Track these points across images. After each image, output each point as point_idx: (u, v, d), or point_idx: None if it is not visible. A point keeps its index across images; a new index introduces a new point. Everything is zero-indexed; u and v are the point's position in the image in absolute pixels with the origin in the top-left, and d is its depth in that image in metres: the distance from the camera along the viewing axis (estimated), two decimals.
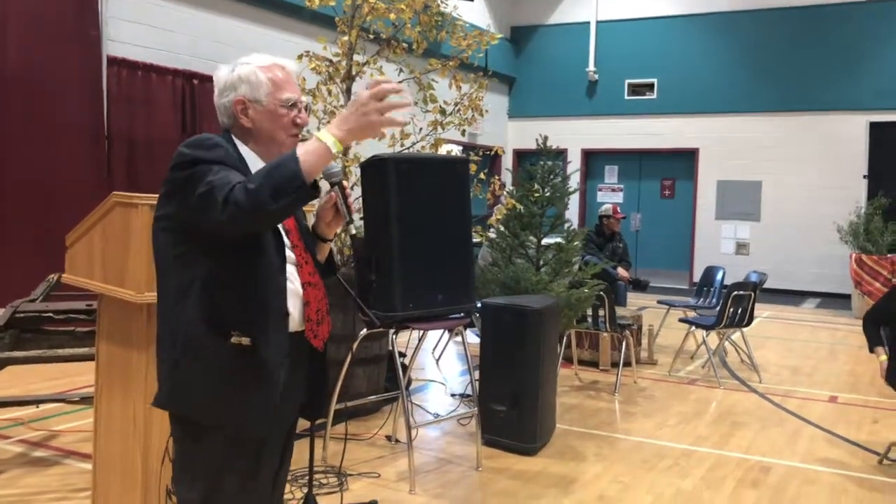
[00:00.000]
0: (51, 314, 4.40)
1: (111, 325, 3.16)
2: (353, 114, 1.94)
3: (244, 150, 2.16)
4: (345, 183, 2.21)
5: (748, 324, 7.12)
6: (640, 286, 8.85)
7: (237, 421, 2.07)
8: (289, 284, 2.14)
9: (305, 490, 3.62)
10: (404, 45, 5.89)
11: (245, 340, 2.03)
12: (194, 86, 8.89)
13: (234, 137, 2.17)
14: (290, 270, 2.16)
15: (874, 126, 13.26)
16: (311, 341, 2.21)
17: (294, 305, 2.15)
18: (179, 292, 2.06)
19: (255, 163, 2.14)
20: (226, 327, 2.04)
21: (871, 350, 4.85)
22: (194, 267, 2.04)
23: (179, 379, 2.08)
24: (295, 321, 2.16)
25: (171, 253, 2.08)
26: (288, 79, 2.19)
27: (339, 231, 2.36)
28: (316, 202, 2.17)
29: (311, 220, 2.40)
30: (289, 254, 2.17)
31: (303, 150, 1.92)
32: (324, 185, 2.08)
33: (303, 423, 3.38)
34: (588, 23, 15.32)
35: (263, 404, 2.08)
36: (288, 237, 2.18)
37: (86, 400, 3.99)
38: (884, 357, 4.76)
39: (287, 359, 2.11)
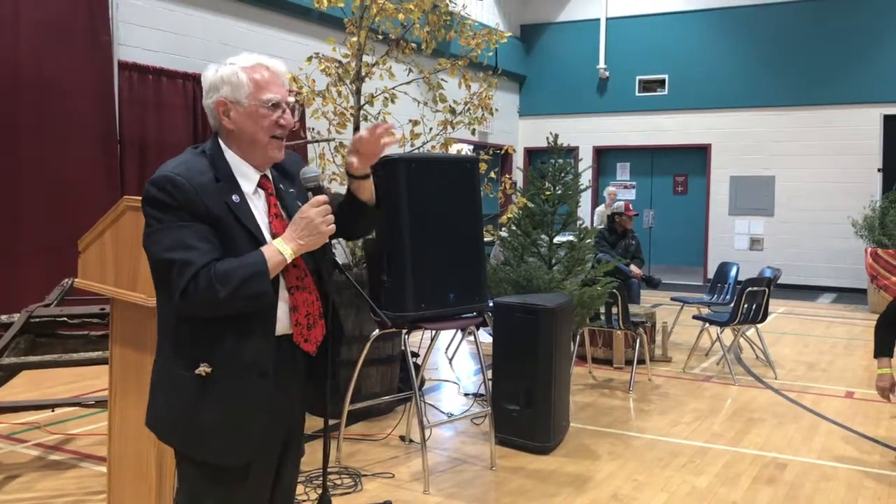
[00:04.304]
0: (65, 318, 4.42)
1: (124, 329, 3.18)
2: (304, 229, 2.06)
3: (229, 154, 2.12)
4: (324, 186, 2.21)
5: (763, 320, 7.08)
6: (652, 283, 8.83)
7: (207, 452, 2.07)
8: None
9: (320, 491, 3.62)
10: (413, 45, 5.89)
11: (206, 370, 2.01)
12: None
13: (220, 141, 2.13)
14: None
15: (888, 119, 13.16)
16: (301, 345, 2.15)
17: (280, 309, 2.10)
18: (161, 319, 2.11)
19: (238, 167, 2.12)
20: (193, 356, 2.03)
21: (876, 356, 4.55)
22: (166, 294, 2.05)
23: (154, 404, 2.14)
24: (282, 325, 2.11)
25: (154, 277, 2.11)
26: (272, 79, 2.12)
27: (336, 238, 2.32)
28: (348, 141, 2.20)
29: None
30: None
31: (271, 265, 2.01)
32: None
33: (316, 424, 3.39)
34: (598, 20, 15.27)
35: (235, 436, 2.05)
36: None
37: (100, 403, 4.01)
38: (885, 370, 4.49)
39: (264, 380, 2.06)
